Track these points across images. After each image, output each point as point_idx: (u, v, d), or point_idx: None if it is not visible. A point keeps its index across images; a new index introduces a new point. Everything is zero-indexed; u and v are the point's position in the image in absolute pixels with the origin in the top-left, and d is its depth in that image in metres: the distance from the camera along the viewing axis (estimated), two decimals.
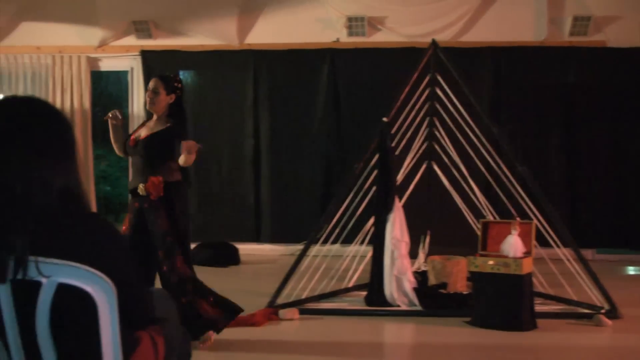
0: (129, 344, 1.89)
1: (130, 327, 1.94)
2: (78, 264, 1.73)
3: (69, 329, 1.77)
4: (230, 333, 4.60)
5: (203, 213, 8.45)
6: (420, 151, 6.71)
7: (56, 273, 1.72)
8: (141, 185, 4.31)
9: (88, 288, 1.73)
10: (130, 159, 4.59)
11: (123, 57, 8.65)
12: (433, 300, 5.40)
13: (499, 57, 8.10)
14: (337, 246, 6.05)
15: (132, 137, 4.46)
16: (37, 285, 1.72)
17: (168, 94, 4.42)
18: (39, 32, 8.57)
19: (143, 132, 4.44)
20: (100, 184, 11.18)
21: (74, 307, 1.76)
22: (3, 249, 1.71)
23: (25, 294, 1.73)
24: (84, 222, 1.83)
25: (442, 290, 5.64)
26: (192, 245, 7.99)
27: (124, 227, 4.42)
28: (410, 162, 6.60)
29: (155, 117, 4.46)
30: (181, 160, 4.22)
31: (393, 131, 5.93)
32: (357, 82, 8.20)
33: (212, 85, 8.50)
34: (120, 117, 4.50)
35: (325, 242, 5.96)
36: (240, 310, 4.53)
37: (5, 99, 1.88)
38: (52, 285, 1.72)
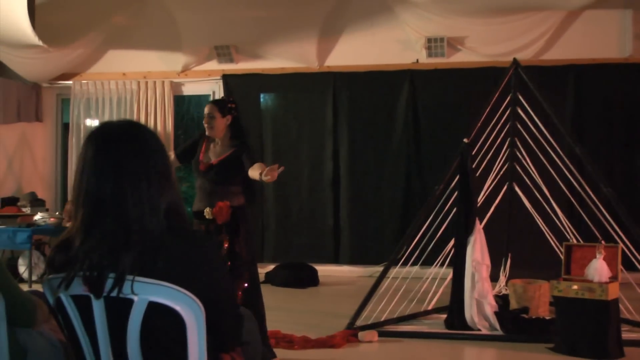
0: None
1: (217, 349, 2.00)
2: (169, 284, 1.81)
3: (158, 346, 1.86)
4: (309, 355, 4.65)
5: (282, 234, 8.55)
6: (502, 172, 6.64)
7: (148, 292, 1.81)
8: (208, 209, 4.41)
9: (177, 307, 1.81)
10: (197, 181, 4.67)
11: (205, 82, 8.87)
12: (514, 324, 5.32)
13: (582, 74, 7.96)
14: (416, 268, 6.01)
15: (202, 161, 4.55)
16: (129, 302, 1.80)
17: (224, 116, 4.52)
18: (125, 59, 8.91)
19: (212, 157, 4.54)
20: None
21: (164, 325, 1.84)
22: (108, 267, 1.80)
23: (117, 311, 1.82)
24: (186, 241, 1.90)
25: (524, 315, 5.56)
26: (271, 267, 8.17)
27: None
28: (491, 184, 6.53)
29: (218, 141, 4.57)
30: (251, 174, 4.29)
31: (474, 152, 5.90)
32: (437, 103, 8.19)
33: (292, 108, 8.63)
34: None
35: (405, 263, 5.93)
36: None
37: (108, 126, 1.95)
38: (143, 303, 1.80)
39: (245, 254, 4.41)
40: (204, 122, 4.52)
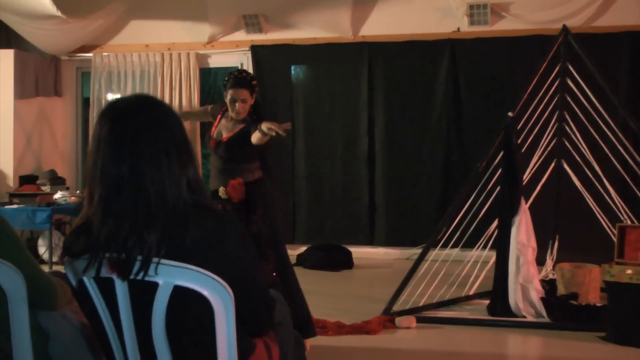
0: (244, 350, 1.97)
1: (249, 333, 2.03)
2: (196, 268, 1.82)
3: (184, 332, 1.87)
4: (343, 340, 4.67)
5: (315, 214, 8.57)
6: (549, 148, 6.57)
7: (173, 275, 1.82)
8: (222, 189, 4.49)
9: (205, 292, 1.83)
10: (211, 158, 4.74)
11: (233, 53, 8.88)
12: (562, 311, 5.28)
13: (637, 42, 7.80)
14: (457, 250, 6.01)
15: (212, 137, 4.61)
16: (153, 285, 1.83)
17: (252, 94, 4.55)
18: (148, 29, 8.94)
19: (224, 133, 4.59)
20: (208, 184, 11.51)
21: (191, 310, 1.86)
22: (134, 248, 1.82)
23: (141, 294, 1.85)
24: (213, 218, 1.92)
25: (573, 302, 5.51)
26: (303, 248, 8.22)
27: None
28: (537, 160, 6.47)
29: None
30: (254, 138, 4.34)
31: (519, 127, 5.86)
32: (479, 74, 8.10)
33: (325, 80, 8.60)
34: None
35: (444, 246, 5.93)
36: (313, 335, 4.50)
37: (121, 102, 1.97)
38: (168, 287, 1.82)
39: (266, 233, 4.43)
40: (235, 106, 4.51)
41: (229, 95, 4.51)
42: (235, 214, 4.35)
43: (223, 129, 4.61)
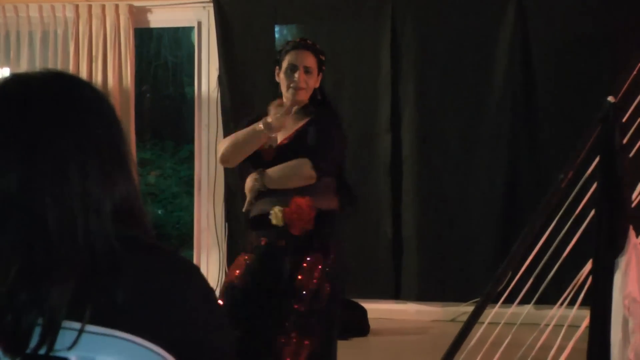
0: None
1: None
2: (130, 336, 1.77)
3: None
4: None
5: None
6: None
7: (96, 348, 1.77)
8: (277, 210, 4.46)
9: None
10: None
11: (185, 7, 8.92)
12: None
13: None
14: (529, 308, 6.02)
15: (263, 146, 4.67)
16: None
17: (319, 74, 4.71)
18: None
19: (279, 135, 4.67)
20: (148, 205, 11.50)
21: None
22: (31, 308, 1.75)
23: None
24: (156, 263, 1.88)
25: None
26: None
27: (234, 273, 4.52)
28: None
29: (275, 111, 4.69)
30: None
31: (625, 119, 5.78)
32: (560, 40, 8.12)
33: (326, 48, 8.46)
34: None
35: (509, 301, 5.92)
36: None
37: (16, 79, 1.93)
38: None
39: (324, 296, 4.53)
40: (291, 75, 4.64)
41: (286, 62, 4.66)
42: (291, 254, 4.47)
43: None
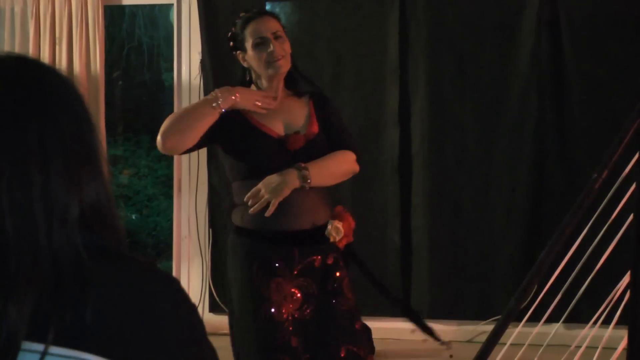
0: None
1: None
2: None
3: None
4: None
5: None
6: None
7: None
8: (336, 224, 4.58)
9: None
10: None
11: None
12: None
13: None
14: (558, 327, 5.99)
15: (284, 135, 4.70)
16: None
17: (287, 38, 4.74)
18: None
19: (291, 121, 4.74)
20: (120, 209, 11.49)
21: None
22: None
23: None
24: (131, 277, 1.85)
25: None
26: None
27: (289, 308, 4.62)
28: None
29: (272, 88, 4.73)
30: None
31: None
32: (593, 14, 8.09)
33: (324, 30, 8.65)
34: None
35: (535, 319, 5.93)
36: None
37: None
38: None
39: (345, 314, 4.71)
40: (262, 49, 4.66)
41: (250, 38, 4.68)
42: (339, 271, 4.68)
43: (281, 115, 4.75)
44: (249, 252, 4.66)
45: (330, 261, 4.59)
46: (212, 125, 4.66)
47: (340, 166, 4.77)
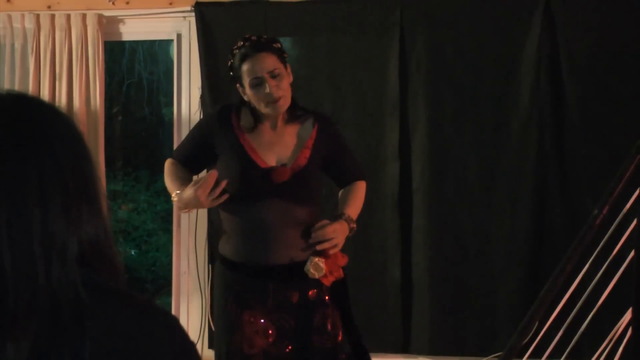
0: None
1: None
2: None
3: None
4: None
5: None
6: None
7: None
8: (317, 260, 4.51)
9: None
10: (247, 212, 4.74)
11: (163, 16, 8.93)
12: None
13: None
14: None
15: (273, 166, 4.68)
16: None
17: (286, 67, 4.72)
18: None
19: (286, 152, 4.74)
20: (119, 245, 11.45)
21: None
22: None
23: None
24: (129, 314, 1.86)
25: None
26: None
27: (267, 342, 4.63)
28: None
29: (269, 119, 4.73)
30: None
31: None
32: (593, 48, 8.11)
33: (323, 63, 8.65)
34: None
35: (536, 356, 5.92)
36: None
37: None
38: None
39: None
40: (260, 90, 4.63)
41: (246, 76, 4.64)
42: (322, 309, 4.68)
43: (277, 144, 4.75)
44: (226, 282, 4.65)
45: (312, 297, 4.58)
46: (207, 148, 4.77)
47: (362, 201, 5.12)
